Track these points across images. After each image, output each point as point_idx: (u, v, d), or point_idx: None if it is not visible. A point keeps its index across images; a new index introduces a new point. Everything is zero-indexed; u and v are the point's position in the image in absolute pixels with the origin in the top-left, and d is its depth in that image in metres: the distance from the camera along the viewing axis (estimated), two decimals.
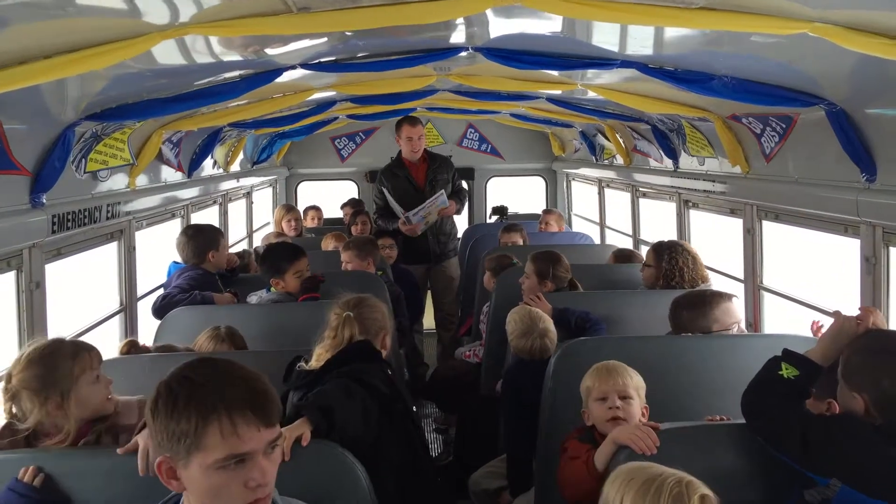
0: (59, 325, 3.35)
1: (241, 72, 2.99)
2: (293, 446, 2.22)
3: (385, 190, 6.26)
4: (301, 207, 8.77)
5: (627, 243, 6.49)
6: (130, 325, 4.12)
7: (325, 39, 2.89)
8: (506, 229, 6.34)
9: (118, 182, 3.82)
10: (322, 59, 3.06)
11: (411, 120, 6.24)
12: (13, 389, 2.28)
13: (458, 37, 2.98)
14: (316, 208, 8.28)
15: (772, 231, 4.19)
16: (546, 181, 9.20)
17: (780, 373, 2.21)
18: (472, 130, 8.98)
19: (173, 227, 5.08)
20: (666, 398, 3.08)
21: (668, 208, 5.69)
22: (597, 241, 7.23)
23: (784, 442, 2.16)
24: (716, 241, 5.09)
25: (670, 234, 5.43)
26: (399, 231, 6.21)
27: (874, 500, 1.95)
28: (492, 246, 6.33)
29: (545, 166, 9.09)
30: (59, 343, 2.38)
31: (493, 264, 5.26)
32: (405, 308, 5.52)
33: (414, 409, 2.91)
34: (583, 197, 8.51)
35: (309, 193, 9.16)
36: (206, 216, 5.80)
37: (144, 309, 4.32)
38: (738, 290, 4.32)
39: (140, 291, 4.46)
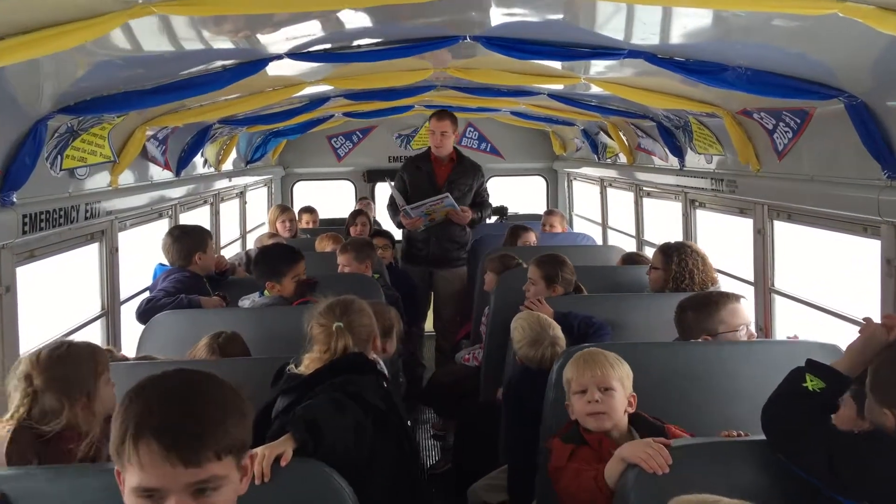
0: (34, 331, 3.17)
1: (226, 62, 2.81)
2: (274, 465, 2.05)
3: (401, 180, 6.01)
4: (297, 208, 8.64)
5: (630, 244, 6.32)
6: (113, 330, 3.94)
7: (317, 25, 2.71)
8: (518, 230, 6.13)
9: (99, 180, 3.64)
10: (312, 49, 2.88)
11: (438, 114, 5.95)
12: (36, 390, 2.22)
13: (455, 25, 2.81)
14: (310, 211, 8.09)
15: (782, 232, 4.02)
16: (547, 181, 9.03)
17: (805, 385, 2.04)
18: (472, 129, 8.81)
19: (161, 228, 4.90)
20: (675, 408, 2.92)
21: (672, 208, 5.52)
22: (599, 241, 7.05)
23: (808, 460, 1.99)
24: (722, 242, 4.92)
25: (675, 235, 5.26)
26: (401, 224, 5.97)
27: None
28: (491, 247, 6.15)
29: (546, 165, 8.91)
30: (73, 343, 2.38)
31: (496, 265, 5.08)
32: (403, 312, 5.34)
33: (408, 422, 2.73)
34: (584, 197, 8.33)
35: (305, 194, 8.99)
36: (197, 216, 5.63)
37: (129, 313, 4.14)
38: (747, 293, 4.15)
39: (124, 294, 4.28)
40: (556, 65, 3.84)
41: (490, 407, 4.36)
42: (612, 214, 7.25)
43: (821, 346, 3.03)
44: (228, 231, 6.90)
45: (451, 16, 2.61)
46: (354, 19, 2.65)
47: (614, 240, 6.99)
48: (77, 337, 3.75)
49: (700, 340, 3.22)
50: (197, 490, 1.48)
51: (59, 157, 3.04)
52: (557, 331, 3.56)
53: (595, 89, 4.40)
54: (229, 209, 6.99)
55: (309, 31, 2.65)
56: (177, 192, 4.89)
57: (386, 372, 3.42)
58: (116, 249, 3.95)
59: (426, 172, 5.94)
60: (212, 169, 5.76)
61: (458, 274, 6.18)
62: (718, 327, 3.22)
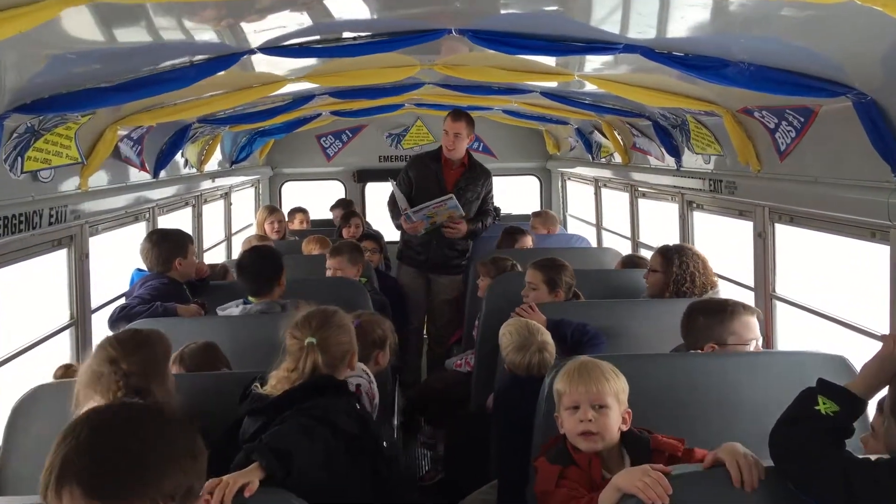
0: None
1: (194, 57, 2.63)
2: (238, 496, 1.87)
3: (406, 177, 5.67)
4: (286, 208, 8.45)
5: (626, 246, 6.15)
6: (83, 341, 3.75)
7: (291, 17, 2.53)
8: (514, 233, 5.93)
9: (67, 183, 3.46)
10: (287, 44, 2.70)
11: (454, 115, 5.58)
12: (125, 372, 2.37)
13: (440, 18, 2.63)
14: (303, 211, 7.91)
15: (784, 235, 3.86)
16: (540, 181, 8.86)
17: (817, 408, 1.87)
18: None
19: (139, 231, 4.72)
20: (674, 423, 2.75)
21: (668, 209, 5.36)
22: (593, 243, 6.89)
23: (822, 490, 1.82)
24: (721, 245, 4.76)
25: (671, 237, 5.10)
26: (401, 227, 5.67)
27: None
28: (484, 249, 5.99)
29: (539, 165, 8.75)
30: (139, 330, 2.64)
31: (488, 269, 4.91)
32: (390, 317, 5.17)
33: (396, 436, 2.56)
34: (579, 197, 8.17)
35: (294, 194, 8.81)
36: (178, 219, 5.44)
37: (102, 322, 3.95)
38: (747, 298, 3.98)
39: (99, 301, 4.10)
40: (549, 61, 3.68)
41: (481, 415, 4.20)
42: (607, 215, 7.08)
43: (827, 357, 2.88)
44: (213, 233, 6.71)
45: (435, 7, 2.43)
46: (332, 8, 2.47)
47: (609, 242, 6.83)
48: (44, 348, 3.58)
49: (704, 350, 3.05)
50: None
51: (19, 158, 2.85)
52: (546, 336, 3.40)
53: (589, 87, 4.23)
54: (215, 211, 6.81)
55: (281, 22, 2.48)
56: (155, 194, 4.70)
57: (370, 384, 3.26)
58: (87, 255, 3.76)
59: (434, 172, 5.60)
60: (193, 170, 5.57)
61: (456, 281, 5.88)
62: (728, 338, 3.07)
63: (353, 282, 4.76)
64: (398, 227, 5.68)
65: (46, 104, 2.54)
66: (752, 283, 4.01)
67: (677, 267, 3.99)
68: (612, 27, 2.61)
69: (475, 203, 5.68)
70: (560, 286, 4.08)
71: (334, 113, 6.88)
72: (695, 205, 4.77)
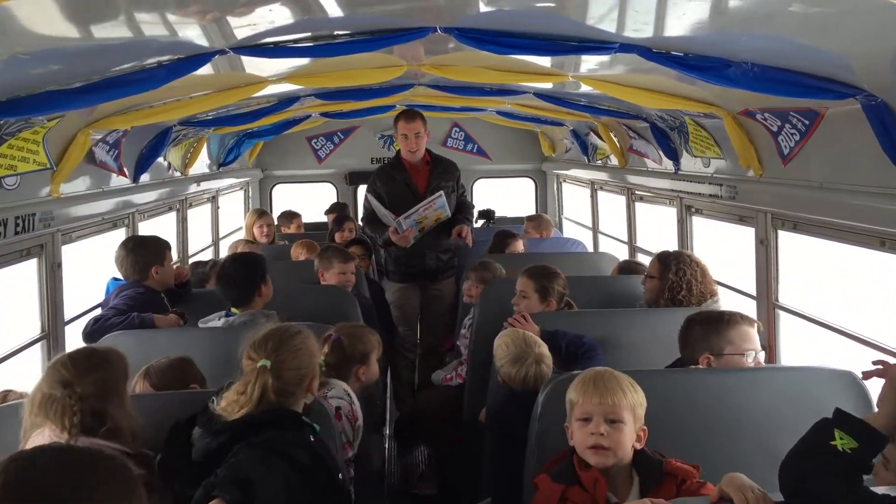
0: None
1: (161, 58, 2.47)
2: None
3: (376, 194, 5.29)
4: (276, 211, 8.29)
5: (622, 250, 6.00)
6: (55, 355, 3.57)
7: (268, 16, 2.37)
8: (505, 237, 5.74)
9: (36, 190, 3.29)
10: (261, 42, 2.54)
11: (407, 114, 5.21)
12: (81, 395, 2.21)
13: (423, 15, 2.47)
14: (296, 215, 7.75)
15: (787, 243, 3.71)
16: (535, 183, 8.71)
17: (833, 443, 1.71)
18: (458, 129, 8.49)
19: (119, 238, 4.55)
20: (674, 441, 2.59)
21: (667, 214, 5.22)
22: (589, 247, 6.73)
23: None
24: (722, 251, 4.62)
25: (670, 242, 4.95)
26: (389, 243, 5.20)
27: None
28: (479, 252, 5.83)
29: (534, 167, 8.60)
30: (95, 349, 2.47)
31: (481, 275, 4.75)
32: (377, 322, 5.01)
33: (341, 476, 2.40)
34: (575, 200, 8.02)
35: (285, 197, 8.65)
36: (161, 224, 5.27)
37: (76, 334, 3.78)
38: (749, 307, 3.84)
39: (73, 313, 3.93)
40: (542, 61, 3.52)
41: (474, 427, 4.05)
42: (604, 219, 6.94)
43: (835, 373, 2.73)
44: (200, 238, 6.55)
45: (415, 3, 2.28)
46: (310, 4, 2.31)
47: (606, 246, 6.68)
48: (14, 362, 3.42)
49: (701, 365, 2.90)
50: None
51: None
52: (543, 349, 3.25)
53: (584, 88, 4.08)
54: (202, 215, 6.64)
55: (255, 20, 2.31)
56: (135, 199, 4.54)
57: (351, 405, 3.09)
58: (59, 265, 3.59)
59: (403, 182, 5.25)
60: (178, 173, 5.41)
61: (449, 284, 5.59)
62: (725, 347, 2.94)
63: (341, 289, 4.60)
64: (385, 243, 5.28)
65: (5, 107, 2.38)
66: (754, 292, 3.85)
67: (673, 274, 3.85)
68: (608, 25, 2.46)
69: (452, 196, 5.31)
70: (552, 295, 3.93)
71: (324, 115, 6.72)
72: (694, 209, 4.62)
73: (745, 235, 4.06)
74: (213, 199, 6.68)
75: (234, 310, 3.80)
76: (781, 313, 3.67)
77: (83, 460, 1.27)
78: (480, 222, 8.19)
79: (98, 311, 3.90)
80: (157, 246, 4.01)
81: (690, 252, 4.10)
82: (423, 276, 5.45)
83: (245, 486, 1.85)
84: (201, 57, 2.47)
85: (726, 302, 3.98)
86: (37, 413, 2.19)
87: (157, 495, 2.13)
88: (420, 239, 5.17)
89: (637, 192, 5.65)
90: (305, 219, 8.10)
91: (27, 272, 3.60)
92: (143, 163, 4.48)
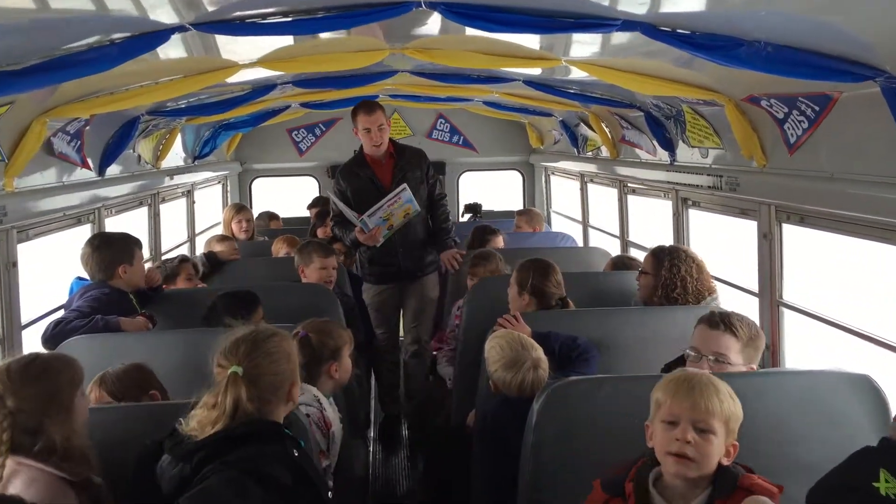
0: None
1: (116, 35, 2.22)
2: None
3: (340, 194, 4.96)
4: (256, 206, 8.04)
5: (614, 245, 5.81)
6: None
7: None
8: (485, 232, 5.51)
9: None
10: (228, 17, 2.30)
11: (367, 106, 4.85)
12: (12, 410, 2.01)
13: None
14: (275, 218, 7.48)
15: (790, 237, 3.53)
16: (523, 176, 8.50)
17: (876, 485, 1.49)
18: (443, 121, 8.25)
19: (86, 235, 4.29)
20: None
21: (659, 206, 5.03)
22: (579, 242, 6.53)
23: None
24: (719, 245, 4.44)
25: (664, 236, 4.77)
26: (357, 243, 4.94)
27: None
28: (462, 248, 5.61)
29: (522, 159, 8.38)
30: (36, 357, 2.18)
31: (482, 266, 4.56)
32: (360, 322, 4.79)
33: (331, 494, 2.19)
34: (564, 193, 7.82)
35: (265, 191, 8.38)
36: (131, 220, 5.01)
37: (35, 339, 3.51)
38: (752, 305, 3.66)
39: (32, 316, 3.67)
40: (533, 44, 3.30)
41: (462, 431, 3.85)
42: (594, 212, 6.74)
43: (850, 377, 2.55)
44: (175, 234, 6.28)
45: None
46: None
47: (597, 240, 6.49)
48: None
49: (705, 370, 2.70)
50: None
51: None
52: (540, 352, 3.04)
53: (576, 74, 3.87)
54: (177, 211, 6.37)
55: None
56: (102, 194, 4.27)
57: (321, 411, 2.87)
58: (14, 264, 3.33)
59: (367, 178, 4.93)
60: (150, 166, 5.14)
61: (431, 281, 5.27)
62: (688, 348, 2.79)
63: (322, 287, 4.37)
64: (353, 244, 5.00)
65: None
66: (756, 288, 3.66)
67: (667, 270, 3.67)
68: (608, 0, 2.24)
69: (421, 187, 4.98)
70: (525, 289, 3.74)
71: (305, 105, 6.46)
72: (690, 202, 4.43)
73: (738, 228, 3.90)
74: (189, 194, 6.40)
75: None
76: (786, 311, 3.48)
77: None
78: (467, 216, 7.99)
79: (61, 314, 3.65)
80: (124, 243, 3.76)
81: (686, 247, 3.90)
82: (400, 277, 5.14)
83: None
84: (160, 34, 2.22)
85: (726, 300, 3.80)
86: None
87: None
88: (390, 237, 4.89)
89: (629, 185, 5.46)
90: (286, 214, 7.85)
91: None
92: (110, 155, 4.21)
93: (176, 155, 5.80)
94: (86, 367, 3.09)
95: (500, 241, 5.51)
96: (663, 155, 4.54)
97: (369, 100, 5.06)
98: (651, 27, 2.28)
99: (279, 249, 5.70)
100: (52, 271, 4.23)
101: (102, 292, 3.63)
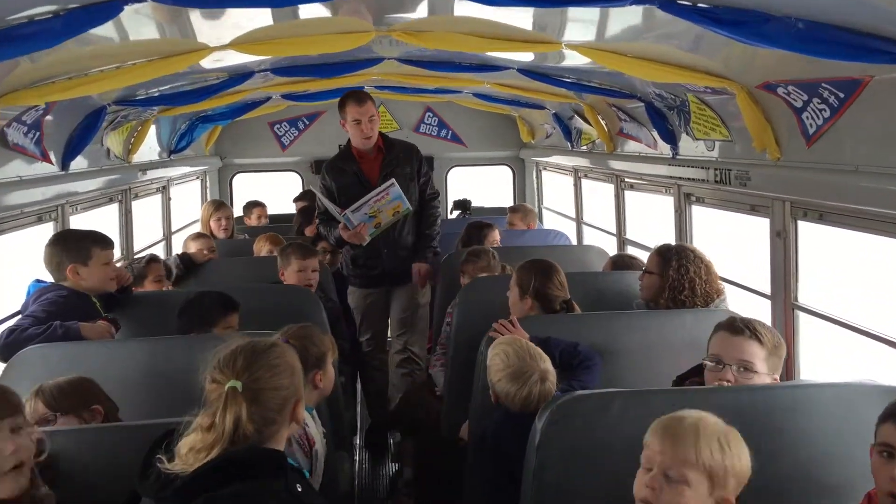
0: None
1: (59, 6, 1.94)
2: None
3: (326, 190, 4.69)
4: (237, 202, 7.74)
5: (609, 243, 5.58)
6: None
7: None
8: (480, 228, 5.19)
9: None
10: None
11: (357, 96, 4.56)
12: None
13: None
14: (260, 205, 7.17)
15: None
16: (513, 171, 8.25)
17: None
18: (431, 114, 7.98)
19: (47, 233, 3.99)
20: None
21: (657, 202, 4.80)
22: (573, 240, 6.29)
23: None
24: (721, 242, 4.22)
25: (664, 234, 4.54)
26: (342, 242, 4.65)
27: None
28: (453, 245, 5.35)
29: (512, 154, 8.13)
30: None
31: (476, 264, 4.31)
32: (345, 328, 4.52)
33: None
34: (556, 189, 7.59)
35: (246, 187, 8.07)
36: (100, 217, 4.70)
37: None
38: (763, 308, 3.43)
39: None
40: (529, 27, 3.05)
41: (453, 443, 3.60)
42: (587, 209, 6.51)
43: (884, 390, 2.31)
44: (151, 232, 5.97)
45: None
46: None
47: (591, 238, 6.25)
48: None
49: (725, 384, 2.46)
50: None
51: None
52: (548, 363, 2.80)
53: (575, 61, 3.63)
54: (153, 208, 6.07)
55: None
56: (66, 189, 3.97)
57: (304, 427, 2.61)
58: None
59: (353, 173, 4.64)
60: (120, 160, 4.83)
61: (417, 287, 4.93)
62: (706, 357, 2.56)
63: (305, 290, 4.08)
64: (338, 242, 4.70)
65: None
66: (768, 290, 3.43)
67: (675, 271, 3.43)
68: None
69: (411, 185, 4.67)
70: (528, 292, 3.50)
71: (286, 97, 6.17)
72: (694, 198, 4.19)
73: (737, 224, 3.68)
74: (164, 190, 6.09)
75: None
76: (801, 314, 3.25)
77: None
78: (455, 213, 7.73)
79: (17, 320, 3.34)
80: (78, 241, 3.42)
81: (693, 246, 3.66)
82: (385, 280, 4.81)
83: None
84: (112, 5, 1.94)
85: (735, 303, 3.57)
86: None
87: None
88: (377, 235, 4.58)
89: (627, 180, 5.22)
90: (269, 211, 7.55)
91: None
92: (74, 148, 3.90)
93: (150, 149, 5.50)
94: (42, 379, 2.85)
95: (496, 237, 5.25)
96: (665, 148, 4.31)
97: (358, 90, 4.74)
98: (668, 2, 2.03)
99: (261, 248, 5.41)
100: (11, 274, 3.93)
101: (59, 295, 3.33)
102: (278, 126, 7.92)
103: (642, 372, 3.19)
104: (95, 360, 3.02)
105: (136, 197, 5.30)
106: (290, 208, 7.40)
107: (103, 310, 3.56)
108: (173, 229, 6.37)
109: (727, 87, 3.11)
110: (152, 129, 5.24)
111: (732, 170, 3.48)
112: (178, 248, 6.00)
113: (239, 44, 2.91)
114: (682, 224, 4.28)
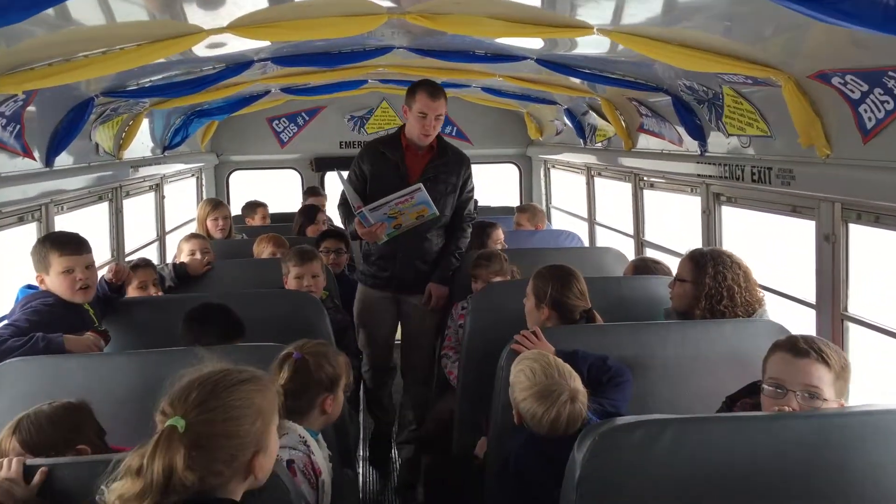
0: None
1: None
2: None
3: (358, 173, 4.26)
4: (234, 201, 7.46)
5: (626, 245, 5.31)
6: None
7: None
8: (485, 228, 4.89)
9: None
10: None
11: (433, 89, 4.08)
12: None
13: None
14: (263, 205, 6.87)
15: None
16: (520, 169, 7.98)
17: None
18: None
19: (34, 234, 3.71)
20: None
21: (675, 201, 4.55)
22: (585, 241, 6.02)
23: None
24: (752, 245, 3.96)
25: (690, 237, 4.28)
26: (356, 235, 4.23)
27: None
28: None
29: (519, 152, 7.87)
30: None
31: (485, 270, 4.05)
32: (352, 342, 4.23)
33: None
34: (564, 188, 7.32)
35: (244, 185, 7.79)
36: (89, 216, 4.42)
37: None
38: (808, 319, 3.17)
39: None
40: (555, 9, 2.77)
41: (465, 462, 3.33)
42: (599, 209, 6.25)
43: None
44: (143, 232, 5.69)
45: None
46: None
47: (604, 240, 5.99)
48: None
49: (776, 411, 2.18)
50: None
51: None
52: (578, 382, 2.51)
53: (598, 48, 3.35)
54: (146, 206, 5.79)
55: None
56: (50, 187, 3.69)
57: (309, 455, 2.33)
58: None
59: (394, 163, 4.20)
60: (109, 156, 4.54)
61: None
62: (764, 379, 2.28)
63: (310, 297, 3.78)
64: (352, 234, 4.32)
65: None
66: (813, 300, 3.16)
67: (711, 278, 3.16)
68: None
69: (451, 197, 4.26)
70: (545, 301, 3.22)
71: (286, 91, 5.90)
72: (724, 198, 3.92)
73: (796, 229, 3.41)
74: (157, 188, 5.81)
75: None
76: (851, 325, 2.98)
77: None
78: None
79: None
80: (40, 246, 3.12)
81: (729, 251, 3.38)
82: (394, 286, 4.37)
83: None
84: None
85: (775, 313, 3.30)
86: None
87: None
88: (396, 236, 4.19)
89: (647, 179, 4.95)
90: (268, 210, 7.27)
91: None
92: (59, 143, 3.62)
93: (142, 144, 5.22)
94: (21, 396, 2.59)
95: (500, 236, 4.97)
96: (691, 145, 4.04)
97: (434, 83, 4.22)
98: None
99: (262, 250, 5.11)
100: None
101: (44, 303, 3.05)
102: (277, 122, 7.65)
103: (678, 389, 2.92)
104: (80, 375, 2.77)
105: (128, 195, 5.02)
106: (289, 207, 7.15)
107: (98, 316, 3.29)
108: (167, 229, 6.09)
109: (772, 76, 2.84)
110: (145, 124, 4.96)
111: (773, 168, 3.21)
112: (172, 249, 5.73)
113: (237, 27, 2.63)
114: (711, 225, 4.01)
